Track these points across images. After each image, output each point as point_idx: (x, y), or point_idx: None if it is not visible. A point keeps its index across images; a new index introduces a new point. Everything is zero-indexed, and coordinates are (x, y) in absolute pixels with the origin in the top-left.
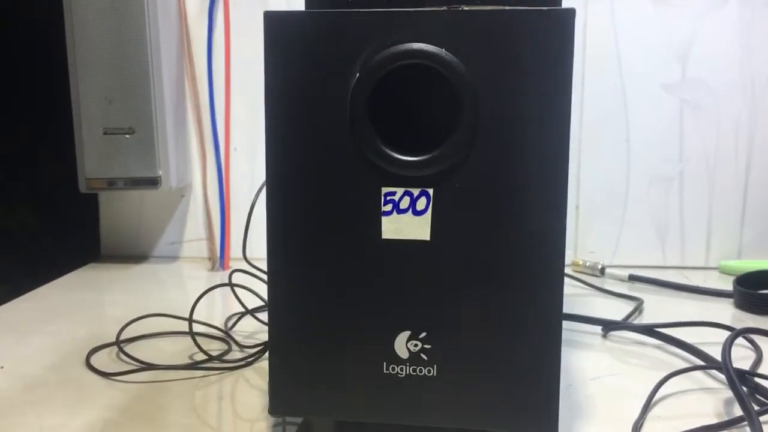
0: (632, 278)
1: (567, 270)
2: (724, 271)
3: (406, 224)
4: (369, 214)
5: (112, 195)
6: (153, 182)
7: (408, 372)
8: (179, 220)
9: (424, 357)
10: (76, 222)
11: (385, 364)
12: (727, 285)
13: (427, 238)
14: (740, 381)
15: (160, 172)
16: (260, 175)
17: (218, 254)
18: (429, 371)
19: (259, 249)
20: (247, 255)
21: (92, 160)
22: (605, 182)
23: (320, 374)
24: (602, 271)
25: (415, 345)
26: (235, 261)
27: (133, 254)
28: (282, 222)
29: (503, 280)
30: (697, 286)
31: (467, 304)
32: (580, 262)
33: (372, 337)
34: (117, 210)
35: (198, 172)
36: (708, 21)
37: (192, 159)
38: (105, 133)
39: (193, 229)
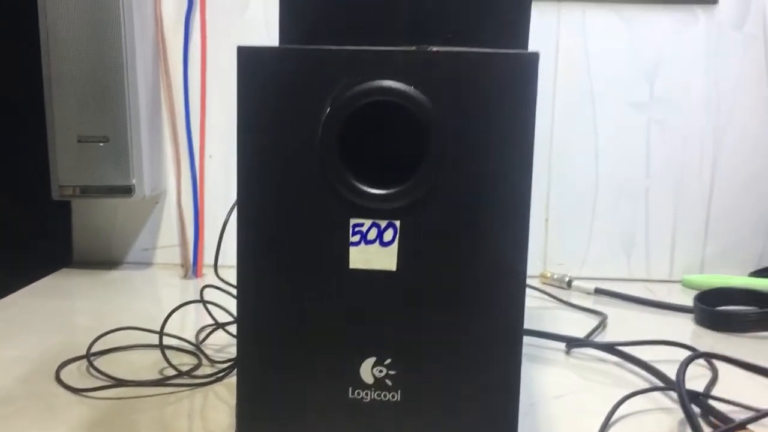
0: (598, 291)
1: (535, 282)
2: (688, 285)
3: (374, 255)
4: (337, 244)
5: (85, 202)
6: (126, 190)
7: (373, 397)
8: (153, 227)
9: (389, 383)
10: (49, 228)
11: (350, 388)
12: (689, 299)
13: (394, 268)
14: (694, 402)
15: (134, 181)
16: (234, 182)
17: (191, 261)
18: (393, 396)
19: (231, 255)
20: (221, 260)
21: (66, 167)
22: (574, 196)
23: (286, 398)
24: (569, 283)
25: (380, 371)
26: (208, 268)
27: (106, 260)
28: (252, 250)
29: (466, 309)
30: (660, 302)
31: (431, 332)
32: (549, 274)
33: (338, 363)
34: (90, 216)
35: (172, 180)
36: (675, 43)
37: (167, 167)
38: (79, 141)
39: (167, 236)
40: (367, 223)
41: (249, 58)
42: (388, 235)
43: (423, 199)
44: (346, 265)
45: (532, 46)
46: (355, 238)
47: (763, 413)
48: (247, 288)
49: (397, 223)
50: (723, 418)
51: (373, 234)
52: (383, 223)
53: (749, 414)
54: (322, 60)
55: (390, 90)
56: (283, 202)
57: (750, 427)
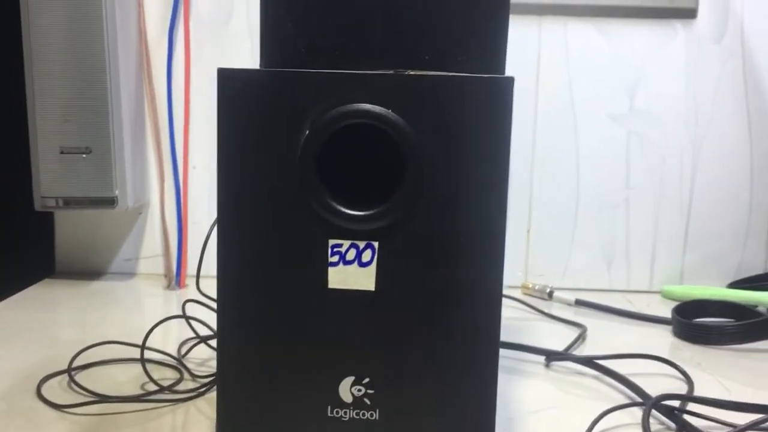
0: (578, 303)
1: (516, 293)
2: (667, 296)
3: (352, 275)
4: (316, 264)
5: (68, 212)
6: (109, 202)
7: (351, 416)
8: (136, 238)
9: (368, 401)
10: (31, 238)
11: (329, 407)
12: (668, 310)
13: (372, 288)
14: (669, 417)
15: (117, 192)
16: None
17: (174, 272)
18: (372, 415)
19: (214, 265)
20: (205, 270)
21: (48, 178)
22: (556, 207)
23: (266, 416)
24: (550, 294)
25: (359, 390)
26: (191, 278)
27: (89, 270)
28: (231, 269)
29: (443, 328)
30: (639, 313)
31: (409, 351)
32: (530, 285)
33: (317, 381)
34: (73, 226)
35: (156, 191)
36: (655, 56)
37: (150, 178)
38: (62, 152)
39: (150, 247)
40: (346, 243)
41: (229, 81)
42: (366, 255)
43: (401, 220)
44: (325, 285)
45: (514, 60)
46: (334, 259)
47: (738, 430)
48: (226, 307)
49: (376, 243)
50: None
51: (351, 254)
52: (362, 244)
53: (726, 430)
54: (301, 83)
55: (368, 113)
56: (262, 223)
57: None
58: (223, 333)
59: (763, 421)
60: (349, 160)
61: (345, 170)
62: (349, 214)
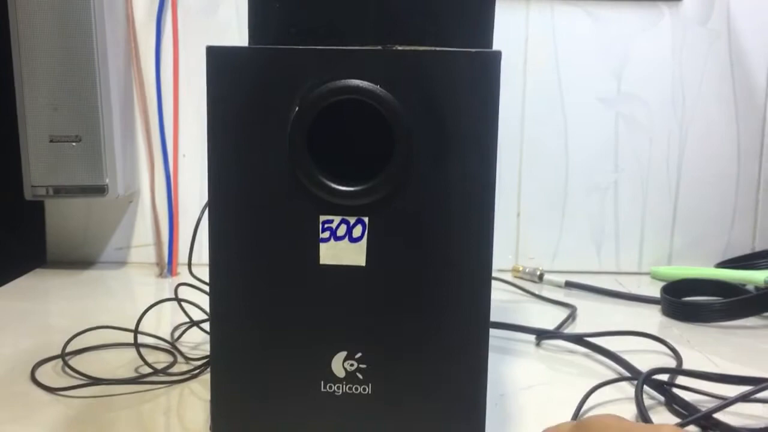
0: (568, 284)
1: (507, 276)
2: (656, 277)
3: (343, 250)
4: (307, 241)
5: (58, 201)
6: (100, 190)
7: (344, 390)
8: (127, 226)
9: (360, 376)
10: (22, 228)
11: (322, 382)
12: (657, 290)
13: (363, 263)
14: (658, 391)
15: (107, 180)
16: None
17: (166, 260)
18: (365, 389)
19: (207, 253)
20: (197, 259)
21: (38, 167)
22: (545, 191)
23: (260, 392)
24: (541, 277)
25: (351, 365)
26: (183, 266)
27: (80, 260)
28: (223, 247)
29: (434, 301)
30: (628, 293)
31: (400, 326)
32: (520, 268)
33: (310, 357)
34: (63, 216)
35: (146, 179)
36: (642, 39)
37: (140, 166)
38: (51, 141)
39: (141, 235)
40: (336, 219)
41: (218, 58)
42: (357, 231)
43: (390, 195)
44: (316, 261)
45: (502, 43)
46: (325, 235)
47: (729, 401)
48: (219, 285)
49: (366, 219)
50: (686, 406)
51: (342, 230)
52: (352, 220)
53: (715, 402)
54: (290, 59)
55: (356, 88)
56: (253, 200)
57: (715, 415)
58: (215, 311)
59: (752, 392)
60: (339, 137)
61: (335, 147)
62: (340, 190)
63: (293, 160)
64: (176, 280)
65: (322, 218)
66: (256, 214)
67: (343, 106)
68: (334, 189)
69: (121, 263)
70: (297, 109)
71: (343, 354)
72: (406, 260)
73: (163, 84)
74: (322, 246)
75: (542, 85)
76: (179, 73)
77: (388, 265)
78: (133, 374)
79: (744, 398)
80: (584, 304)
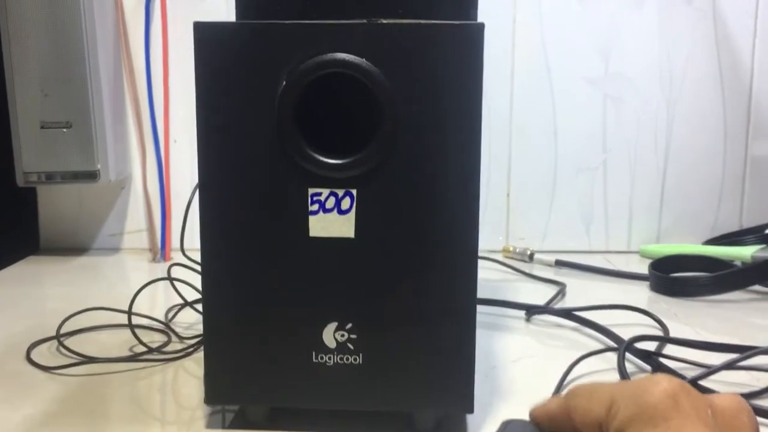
0: (558, 263)
1: (498, 256)
2: (645, 255)
3: (332, 223)
4: (297, 214)
5: (50, 188)
6: (91, 176)
7: (336, 360)
8: (119, 212)
9: (351, 346)
10: (15, 216)
11: (314, 353)
12: (646, 268)
13: (352, 235)
14: (645, 361)
15: (99, 166)
16: None
17: (159, 245)
18: (355, 359)
19: (198, 240)
20: (189, 245)
21: (29, 153)
22: (534, 172)
23: (253, 364)
24: (531, 256)
25: (342, 335)
26: (176, 252)
27: (73, 246)
28: (214, 222)
29: (422, 272)
30: (617, 270)
31: (389, 296)
32: (511, 249)
33: (301, 329)
34: (56, 202)
35: (137, 165)
36: (628, 18)
37: (131, 152)
38: (42, 127)
39: (134, 221)
40: (325, 192)
41: (205, 34)
42: (345, 203)
43: (378, 167)
44: (306, 233)
45: (490, 25)
46: (314, 207)
47: (712, 370)
48: (211, 259)
49: (354, 191)
50: (673, 374)
51: (331, 203)
52: (341, 192)
53: (699, 371)
54: (277, 34)
55: (343, 62)
56: (242, 175)
57: (700, 382)
58: (207, 285)
59: (737, 360)
60: (326, 111)
61: (323, 121)
62: (328, 163)
63: (281, 134)
64: (169, 264)
65: (311, 191)
66: (245, 188)
67: (330, 80)
68: (322, 161)
69: (115, 249)
70: (284, 83)
71: (334, 325)
72: (395, 231)
73: (152, 70)
74: (312, 218)
75: (530, 67)
76: (169, 59)
77: (376, 237)
78: (128, 353)
79: (729, 366)
80: (574, 281)
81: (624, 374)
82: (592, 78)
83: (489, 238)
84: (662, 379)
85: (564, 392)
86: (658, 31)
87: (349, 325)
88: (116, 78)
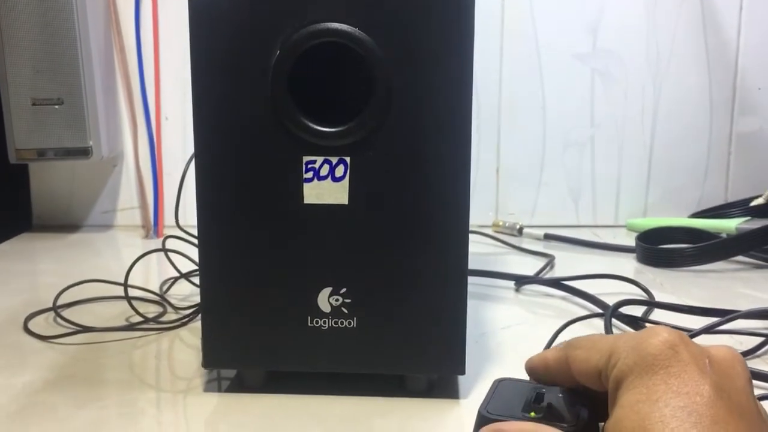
0: (547, 237)
1: (488, 230)
2: (632, 229)
3: (326, 190)
4: (291, 181)
5: (43, 165)
6: (84, 152)
7: (330, 324)
8: (112, 189)
9: (345, 310)
10: (7, 193)
11: (309, 317)
12: (633, 241)
13: (346, 202)
14: (631, 326)
15: (91, 143)
16: (191, 143)
17: (152, 222)
18: (350, 323)
19: (192, 216)
20: (181, 222)
21: (21, 130)
22: (523, 148)
23: (249, 329)
24: (520, 231)
25: (337, 300)
26: (169, 228)
27: (66, 224)
28: (210, 190)
29: (414, 238)
30: (605, 243)
31: (382, 261)
32: (500, 223)
33: (296, 294)
34: (48, 180)
35: (129, 142)
36: None
37: (123, 129)
38: (34, 104)
39: (126, 198)
40: (319, 160)
41: (200, 4)
42: (339, 170)
43: (371, 135)
44: (301, 200)
45: (479, 4)
46: (309, 175)
47: (693, 333)
48: (207, 226)
49: (348, 159)
50: None
51: (325, 170)
52: (334, 160)
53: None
54: (270, 4)
55: (336, 31)
56: (237, 143)
57: None
58: (204, 253)
59: (718, 324)
60: (320, 79)
61: (317, 89)
62: (322, 131)
63: (276, 104)
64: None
65: (306, 159)
66: (240, 157)
67: (324, 50)
68: (316, 130)
69: (108, 226)
70: (278, 53)
71: (328, 290)
72: (387, 198)
73: (143, 47)
74: (306, 186)
75: (519, 43)
76: (159, 36)
77: (369, 203)
78: (125, 323)
79: (710, 329)
80: (562, 254)
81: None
82: (580, 54)
83: (479, 213)
84: (662, 330)
85: (561, 344)
86: (645, 7)
87: (344, 290)
88: (107, 55)
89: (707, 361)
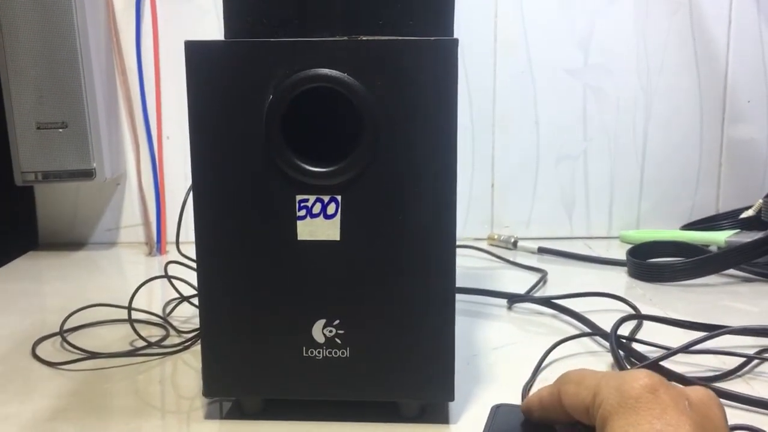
0: (541, 250)
1: (482, 244)
2: (624, 240)
3: (319, 227)
4: (285, 219)
5: (48, 186)
6: (87, 174)
7: (324, 354)
8: (115, 208)
9: (338, 341)
10: (14, 213)
11: (304, 348)
12: (625, 254)
13: (338, 238)
14: (618, 346)
15: (94, 164)
16: None
17: (155, 239)
18: (343, 353)
19: (193, 232)
20: (184, 238)
21: (27, 153)
22: (517, 161)
23: (247, 359)
24: (515, 244)
25: (330, 331)
26: (172, 245)
27: (71, 242)
28: (207, 227)
29: (403, 271)
30: (597, 257)
31: (373, 294)
32: (496, 236)
33: (292, 326)
34: (53, 200)
35: (132, 162)
36: (606, 11)
37: (126, 149)
38: (38, 128)
39: (130, 216)
40: (312, 198)
41: (196, 52)
42: (331, 208)
43: (361, 175)
44: (295, 237)
45: (473, 20)
46: (302, 213)
47: (672, 352)
48: (205, 263)
49: (339, 197)
50: (640, 357)
51: (317, 208)
52: (326, 198)
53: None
54: (264, 51)
55: (325, 77)
56: (234, 184)
57: (662, 363)
58: (203, 287)
59: (703, 339)
60: (311, 122)
61: (308, 131)
62: (314, 171)
63: (269, 145)
64: (165, 258)
65: (299, 197)
66: (237, 197)
67: (315, 93)
68: (308, 170)
69: (112, 244)
70: (271, 97)
71: (322, 321)
72: (377, 233)
73: (144, 69)
74: (299, 223)
75: (512, 59)
76: (160, 57)
77: (360, 239)
78: (129, 348)
79: (689, 347)
80: (555, 268)
81: (620, 362)
82: (572, 69)
83: (474, 227)
84: (642, 375)
85: (555, 379)
86: (635, 23)
87: (337, 322)
88: (109, 78)
89: (686, 402)
